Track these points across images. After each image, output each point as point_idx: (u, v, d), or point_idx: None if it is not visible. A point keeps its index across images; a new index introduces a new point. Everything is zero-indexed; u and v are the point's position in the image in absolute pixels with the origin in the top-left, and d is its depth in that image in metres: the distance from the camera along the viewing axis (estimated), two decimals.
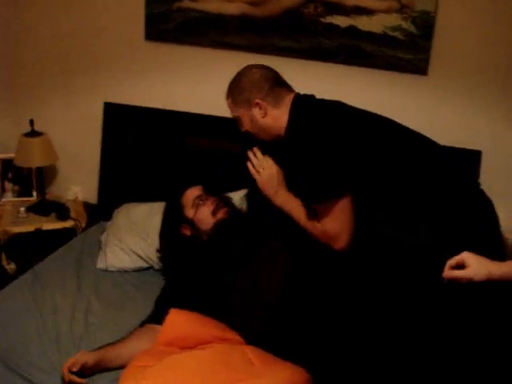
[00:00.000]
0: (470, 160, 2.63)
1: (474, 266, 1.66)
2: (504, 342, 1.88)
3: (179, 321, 1.94)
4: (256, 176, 2.28)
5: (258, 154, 2.31)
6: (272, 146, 2.27)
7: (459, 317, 1.90)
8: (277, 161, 2.28)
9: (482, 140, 2.65)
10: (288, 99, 2.17)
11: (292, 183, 2.22)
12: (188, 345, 1.90)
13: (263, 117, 2.16)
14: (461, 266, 1.68)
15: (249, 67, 2.23)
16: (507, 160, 2.67)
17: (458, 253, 1.85)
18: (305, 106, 2.15)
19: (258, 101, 2.15)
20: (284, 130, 2.14)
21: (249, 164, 2.30)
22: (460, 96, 2.64)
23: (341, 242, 2.05)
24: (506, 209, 2.15)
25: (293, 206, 2.20)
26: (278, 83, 2.20)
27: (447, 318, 1.90)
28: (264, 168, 2.27)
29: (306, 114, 2.11)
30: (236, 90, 2.21)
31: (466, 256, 1.68)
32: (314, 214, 2.12)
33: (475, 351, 1.86)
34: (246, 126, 2.23)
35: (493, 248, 2.01)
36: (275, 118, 2.16)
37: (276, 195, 2.24)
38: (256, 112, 2.17)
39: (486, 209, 2.06)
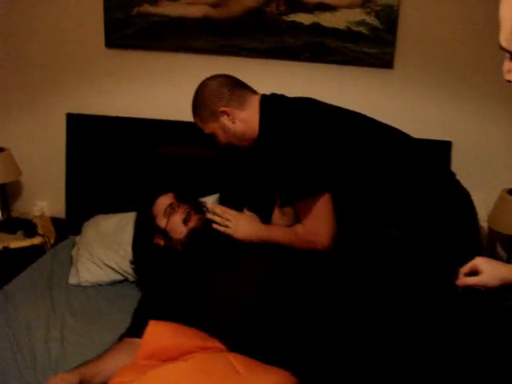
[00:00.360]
0: (440, 151, 2.64)
1: (488, 271, 1.60)
2: (501, 342, 1.87)
3: (159, 332, 1.87)
4: (227, 231, 2.22)
5: (217, 209, 2.28)
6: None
7: (447, 315, 1.88)
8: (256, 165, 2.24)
9: (452, 130, 2.67)
10: (254, 100, 2.12)
11: (270, 184, 2.18)
12: (169, 356, 1.83)
13: (233, 123, 2.11)
14: (474, 272, 1.63)
15: (202, 83, 2.18)
16: (477, 149, 2.70)
17: (438, 246, 1.85)
18: (274, 104, 2.11)
19: (222, 108, 2.10)
20: (257, 131, 2.10)
21: (214, 225, 2.25)
22: (427, 88, 2.65)
23: (324, 241, 2.01)
24: (477, 198, 2.16)
25: (272, 234, 2.17)
26: (237, 86, 2.15)
27: (434, 318, 1.88)
28: (229, 220, 2.23)
29: (278, 113, 2.07)
30: (198, 106, 2.16)
31: (478, 262, 1.62)
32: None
33: (468, 349, 1.84)
34: (222, 138, 2.17)
35: (471, 239, 2.02)
36: (245, 120, 2.11)
37: (253, 236, 2.20)
38: (225, 120, 2.11)
39: (463, 199, 2.06)
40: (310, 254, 2.05)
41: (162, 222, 2.31)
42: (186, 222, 2.28)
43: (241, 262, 2.08)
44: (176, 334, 1.89)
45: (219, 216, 2.24)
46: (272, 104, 2.11)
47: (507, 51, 1.15)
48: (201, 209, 2.41)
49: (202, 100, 2.14)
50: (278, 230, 2.17)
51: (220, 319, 1.97)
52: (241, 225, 2.21)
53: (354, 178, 2.03)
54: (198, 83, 2.19)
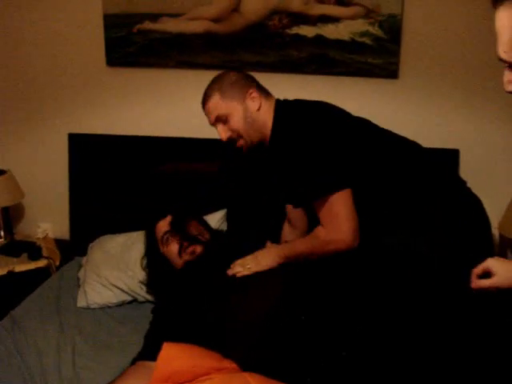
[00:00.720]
0: (448, 159, 2.62)
1: (501, 272, 1.55)
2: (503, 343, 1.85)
3: (173, 355, 1.83)
4: (252, 271, 2.07)
5: (236, 268, 2.08)
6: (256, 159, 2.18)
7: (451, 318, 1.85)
8: (264, 168, 2.19)
9: (459, 138, 2.66)
10: (271, 101, 2.09)
11: (286, 187, 2.13)
12: (185, 379, 1.79)
13: (258, 109, 2.05)
14: (486, 273, 1.58)
15: (226, 70, 2.13)
16: (485, 157, 2.68)
17: (450, 252, 1.82)
18: (288, 106, 2.08)
19: (253, 90, 2.05)
20: (269, 132, 2.05)
21: (238, 274, 2.08)
22: (433, 96, 2.64)
23: (347, 238, 1.94)
24: (487, 205, 2.14)
25: (294, 248, 2.09)
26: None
27: (442, 319, 1.86)
28: (249, 262, 2.08)
29: (292, 115, 2.03)
30: (224, 85, 2.06)
31: (491, 263, 1.58)
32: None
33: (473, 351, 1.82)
34: (236, 124, 2.05)
35: (485, 245, 2.00)
36: (266, 112, 2.05)
37: (277, 258, 2.07)
38: (250, 104, 2.04)
39: (475, 206, 2.03)
40: (320, 278, 2.01)
41: (162, 247, 2.30)
42: (180, 254, 2.24)
43: (254, 282, 2.04)
44: (191, 355, 1.85)
45: (240, 267, 2.10)
46: (286, 106, 2.07)
47: (506, 62, 1.13)
48: (195, 238, 2.31)
49: (229, 79, 2.07)
50: (298, 242, 2.12)
51: (234, 340, 1.94)
52: (260, 257, 2.09)
53: (365, 181, 1.99)
54: (201, 99, 2.14)
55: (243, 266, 2.07)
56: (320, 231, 1.99)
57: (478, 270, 1.60)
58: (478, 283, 1.59)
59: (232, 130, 2.07)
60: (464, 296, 1.86)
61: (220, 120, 2.07)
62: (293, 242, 2.16)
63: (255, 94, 2.05)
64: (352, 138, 2.01)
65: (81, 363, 2.01)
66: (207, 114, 2.10)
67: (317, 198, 1.95)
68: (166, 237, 2.28)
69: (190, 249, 2.24)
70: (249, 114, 2.05)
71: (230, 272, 2.07)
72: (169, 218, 2.33)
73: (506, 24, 1.08)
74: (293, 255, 2.06)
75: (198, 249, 2.25)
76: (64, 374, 1.95)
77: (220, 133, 2.09)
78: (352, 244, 1.94)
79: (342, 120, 2.07)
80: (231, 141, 2.09)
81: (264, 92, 2.10)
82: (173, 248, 2.26)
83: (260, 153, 2.13)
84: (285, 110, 2.06)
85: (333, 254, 1.98)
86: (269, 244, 2.19)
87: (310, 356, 1.86)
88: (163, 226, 2.32)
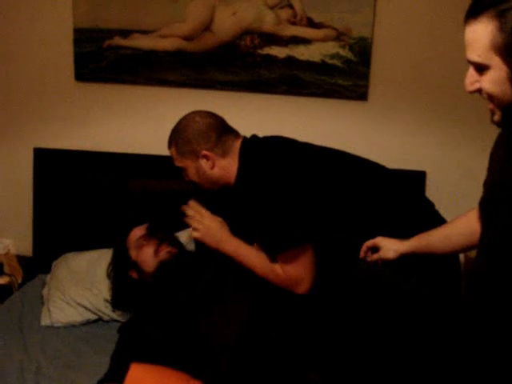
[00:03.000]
0: (414, 181, 2.65)
1: (385, 246, 1.91)
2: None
3: (141, 376, 1.80)
4: (194, 235, 2.12)
5: (192, 203, 2.15)
6: (218, 195, 2.18)
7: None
8: (225, 210, 2.19)
9: (426, 161, 2.69)
10: (235, 146, 2.08)
11: (247, 232, 2.13)
12: None
13: (211, 168, 2.07)
14: (376, 248, 1.94)
15: (192, 116, 2.10)
16: (451, 179, 2.72)
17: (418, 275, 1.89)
18: (252, 151, 2.07)
19: (205, 152, 2.05)
20: (233, 179, 2.07)
21: (184, 219, 2.14)
22: (401, 119, 2.68)
23: (303, 287, 1.98)
24: None
25: (245, 253, 2.08)
26: (224, 131, 2.09)
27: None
28: (201, 221, 2.11)
29: (255, 161, 2.03)
30: (180, 140, 2.08)
31: (379, 239, 1.93)
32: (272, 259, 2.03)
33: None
34: (192, 176, 2.12)
35: (451, 267, 2.03)
36: (224, 168, 2.07)
37: (221, 247, 2.10)
38: (203, 163, 2.07)
39: None
40: (292, 296, 2.02)
41: (133, 253, 2.29)
42: (156, 253, 2.25)
43: (224, 300, 2.03)
44: (159, 376, 1.83)
45: (192, 211, 2.14)
46: (250, 152, 2.07)
47: (478, 64, 1.26)
48: (174, 241, 2.37)
49: (186, 134, 2.07)
50: (250, 252, 2.07)
51: (204, 362, 1.91)
52: (211, 230, 2.10)
53: (334, 218, 2.01)
54: (172, 117, 2.15)
55: (194, 216, 2.12)
56: (278, 271, 2.00)
57: (369, 243, 1.95)
58: (370, 257, 1.95)
59: (190, 179, 2.14)
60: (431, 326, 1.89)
61: (180, 167, 2.14)
62: (250, 252, 2.08)
63: (208, 155, 2.05)
64: (316, 177, 2.03)
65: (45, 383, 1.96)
66: None
67: (282, 251, 1.97)
68: (142, 239, 2.29)
69: (168, 248, 2.27)
70: (201, 172, 2.09)
71: (182, 207, 2.13)
72: (145, 226, 2.35)
73: (481, 33, 1.23)
74: (238, 259, 2.08)
75: (174, 250, 2.28)
76: None
77: (183, 176, 2.16)
78: (305, 291, 1.99)
79: (307, 159, 2.08)
80: (192, 182, 2.15)
81: (223, 148, 2.07)
82: (149, 249, 2.26)
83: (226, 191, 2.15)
84: (250, 157, 2.05)
85: None
86: (221, 224, 2.14)
87: (277, 377, 1.85)
88: (139, 231, 2.33)
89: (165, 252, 2.26)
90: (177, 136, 2.10)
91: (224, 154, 2.07)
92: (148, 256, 2.25)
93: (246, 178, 2.02)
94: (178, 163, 2.13)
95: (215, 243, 2.11)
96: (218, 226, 2.13)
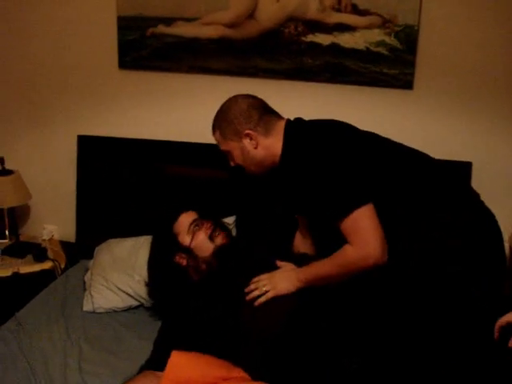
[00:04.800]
0: (460, 172, 2.59)
1: None
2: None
3: (182, 364, 1.81)
4: (269, 296, 2.02)
5: (251, 285, 2.06)
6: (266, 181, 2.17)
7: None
8: (276, 191, 2.18)
9: (472, 151, 2.63)
10: (279, 126, 2.07)
11: (303, 208, 2.12)
12: None
13: (255, 147, 2.07)
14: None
15: (234, 98, 2.13)
16: (497, 170, 2.65)
17: (464, 266, 1.86)
18: (299, 129, 2.06)
19: (248, 131, 2.05)
20: (278, 158, 2.05)
21: (256, 301, 2.03)
22: (447, 108, 2.61)
23: (377, 253, 1.88)
24: (498, 218, 2.12)
25: (316, 270, 2.02)
26: (266, 111, 2.11)
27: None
28: (265, 284, 2.05)
29: (303, 137, 2.02)
30: (224, 122, 2.10)
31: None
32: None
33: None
34: (237, 159, 2.13)
35: (497, 259, 1.97)
36: (267, 147, 2.07)
37: (297, 282, 2.03)
38: (247, 143, 2.07)
39: (488, 220, 2.01)
40: (335, 293, 2.00)
41: (185, 239, 2.25)
42: (212, 238, 2.23)
43: None
44: (200, 364, 1.84)
45: (255, 288, 2.06)
46: (297, 129, 2.06)
47: None
48: (225, 226, 2.36)
49: (229, 116, 2.09)
50: (321, 264, 2.02)
51: (245, 348, 1.92)
52: (278, 280, 2.05)
53: (379, 197, 1.96)
54: (214, 104, 2.15)
55: (259, 288, 2.04)
56: (347, 249, 1.93)
57: (502, 322, 1.69)
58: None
59: (236, 163, 2.15)
60: (477, 311, 1.85)
61: (225, 152, 2.15)
62: (314, 264, 2.04)
63: (251, 134, 2.05)
64: (365, 156, 1.99)
65: (87, 368, 1.99)
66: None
67: (342, 216, 1.91)
68: (195, 224, 2.25)
69: (222, 233, 2.26)
70: (246, 152, 2.09)
71: (247, 290, 2.05)
72: (193, 212, 2.31)
73: None
74: (315, 278, 2.01)
75: (227, 235, 2.28)
76: (70, 379, 1.92)
77: (228, 161, 2.17)
78: (381, 258, 1.89)
79: (354, 138, 2.05)
80: (239, 168, 2.15)
81: (265, 127, 2.06)
82: (202, 233, 2.23)
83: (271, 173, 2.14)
84: (297, 134, 2.04)
85: (358, 273, 1.94)
86: (287, 266, 2.12)
87: (319, 367, 1.84)
88: (189, 216, 2.29)
89: (221, 237, 2.25)
90: (220, 119, 2.12)
91: (267, 133, 2.06)
92: (203, 241, 2.22)
93: (294, 154, 2.00)
94: (223, 146, 2.14)
95: (293, 286, 2.03)
96: (279, 273, 2.08)
